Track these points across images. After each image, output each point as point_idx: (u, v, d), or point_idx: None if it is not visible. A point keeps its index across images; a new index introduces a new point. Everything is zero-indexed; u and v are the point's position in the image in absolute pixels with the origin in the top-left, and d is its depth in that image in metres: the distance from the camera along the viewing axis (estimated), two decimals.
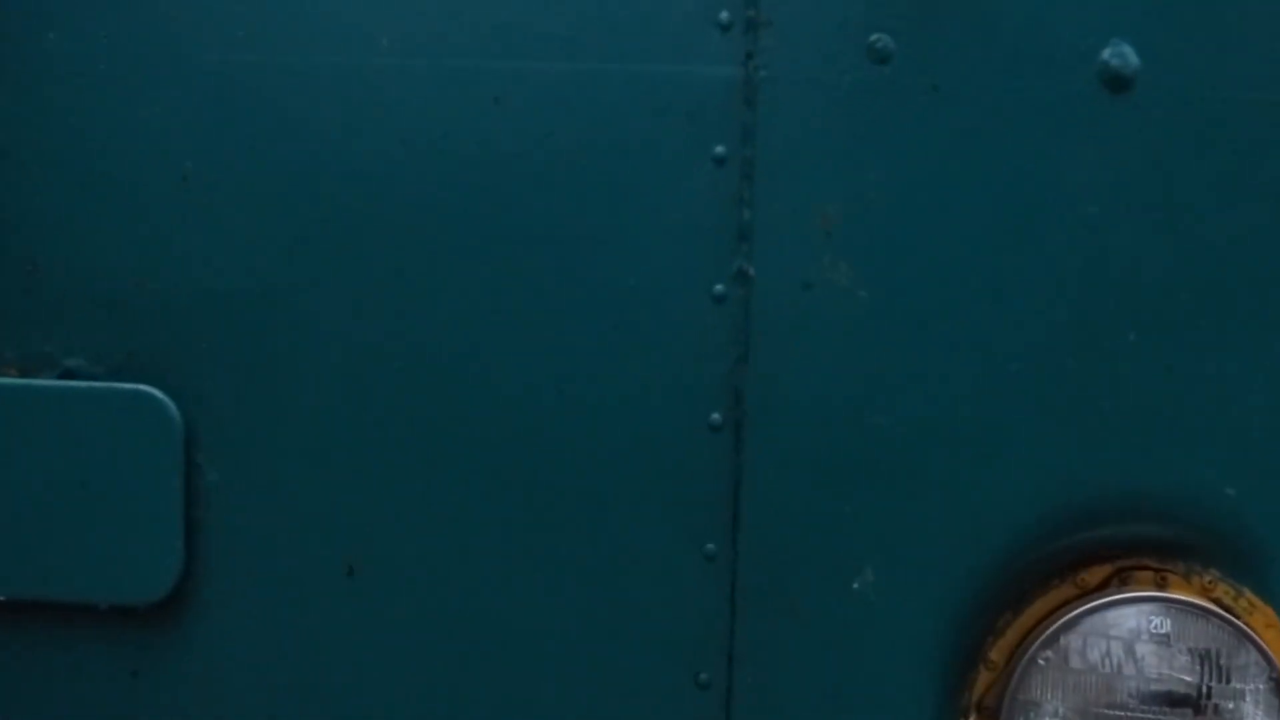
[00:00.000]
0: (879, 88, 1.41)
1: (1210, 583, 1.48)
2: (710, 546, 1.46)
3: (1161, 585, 1.48)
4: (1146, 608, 1.46)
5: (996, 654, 1.49)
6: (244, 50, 1.47)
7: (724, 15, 1.41)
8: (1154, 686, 1.45)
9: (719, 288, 1.44)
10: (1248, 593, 1.48)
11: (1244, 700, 1.46)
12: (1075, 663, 1.46)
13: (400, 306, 1.47)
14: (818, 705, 1.49)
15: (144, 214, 1.48)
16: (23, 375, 1.50)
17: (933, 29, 1.40)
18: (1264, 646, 1.44)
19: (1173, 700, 1.45)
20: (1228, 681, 1.46)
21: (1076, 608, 1.46)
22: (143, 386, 1.48)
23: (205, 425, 1.48)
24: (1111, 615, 1.46)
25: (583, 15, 1.44)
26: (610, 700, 1.49)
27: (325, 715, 1.52)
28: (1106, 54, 1.40)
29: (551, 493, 1.47)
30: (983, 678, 1.49)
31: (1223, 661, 1.46)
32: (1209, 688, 1.45)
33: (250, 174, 1.47)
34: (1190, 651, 1.45)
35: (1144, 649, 1.46)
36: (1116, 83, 1.39)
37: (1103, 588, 1.49)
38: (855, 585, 1.46)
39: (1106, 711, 1.46)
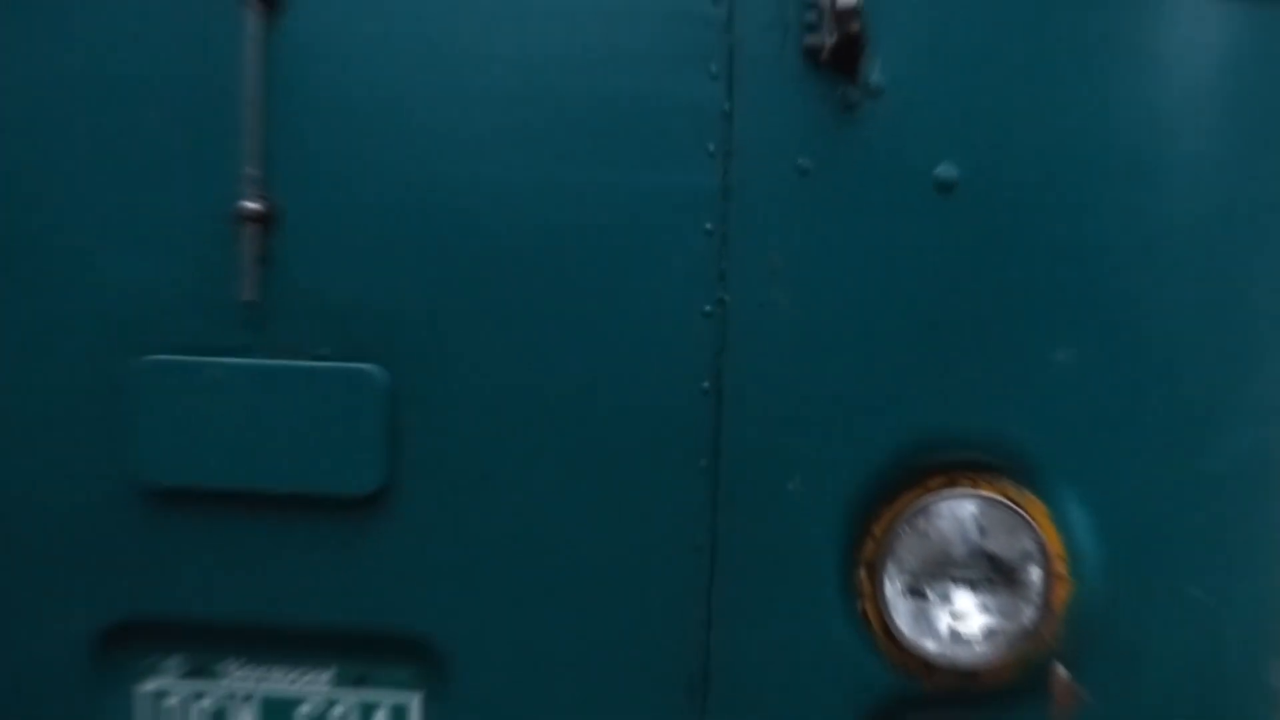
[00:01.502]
0: (804, 190, 2.17)
1: (1006, 486, 2.19)
2: (702, 462, 2.20)
3: (976, 486, 2.18)
4: (968, 501, 2.16)
5: (878, 529, 2.20)
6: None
7: (711, 146, 2.18)
8: (969, 550, 2.15)
9: (707, 308, 2.19)
10: (1028, 493, 2.19)
11: (1028, 561, 2.16)
12: (926, 533, 2.17)
13: (504, 325, 2.21)
14: (770, 563, 2.22)
15: (359, 245, 2.20)
16: (288, 358, 2.22)
17: (836, 156, 2.18)
18: (1036, 527, 2.16)
19: (982, 560, 2.15)
20: (1016, 549, 2.15)
21: (925, 501, 2.18)
22: (364, 365, 2.20)
23: (404, 387, 2.20)
24: (945, 505, 2.17)
25: (613, 142, 2.17)
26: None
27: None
28: (939, 169, 2.18)
29: (594, 441, 2.21)
30: (869, 545, 2.21)
31: (1012, 537, 2.15)
32: (1004, 554, 2.15)
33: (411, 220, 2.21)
34: (994, 528, 2.14)
35: (965, 527, 2.16)
36: (943, 188, 2.19)
37: (941, 489, 2.20)
38: (789, 487, 2.22)
39: (940, 567, 2.17)
